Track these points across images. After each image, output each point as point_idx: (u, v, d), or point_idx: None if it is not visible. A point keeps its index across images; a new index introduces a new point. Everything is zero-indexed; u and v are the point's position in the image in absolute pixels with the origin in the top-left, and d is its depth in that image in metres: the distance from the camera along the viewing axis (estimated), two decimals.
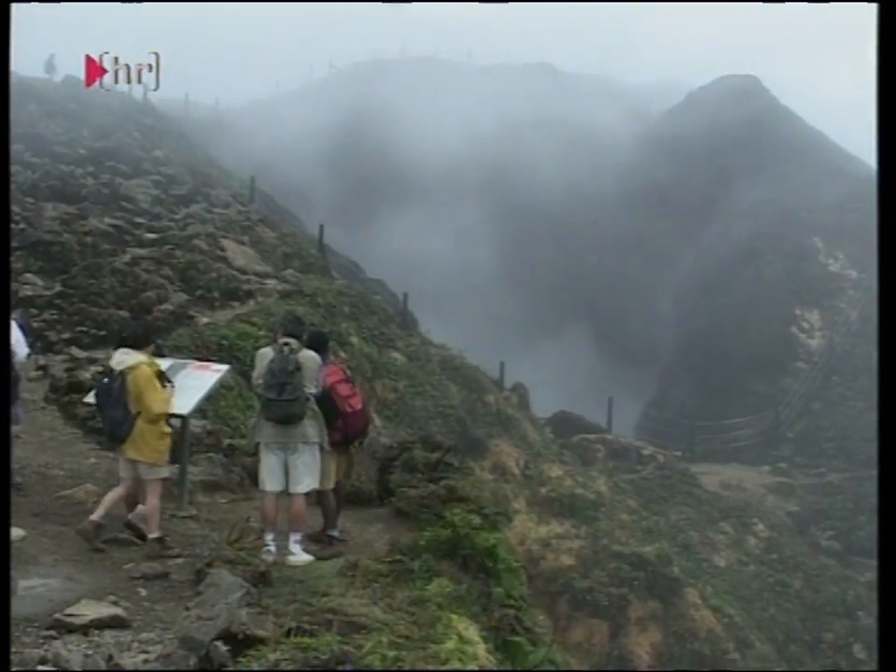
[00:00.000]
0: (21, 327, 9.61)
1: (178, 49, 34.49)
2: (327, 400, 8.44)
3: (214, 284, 18.81)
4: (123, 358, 8.06)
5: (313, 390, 7.93)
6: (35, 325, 15.29)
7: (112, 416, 7.94)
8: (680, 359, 36.72)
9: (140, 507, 8.15)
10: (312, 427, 7.94)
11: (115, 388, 7.91)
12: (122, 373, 7.96)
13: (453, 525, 7.90)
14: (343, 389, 8.68)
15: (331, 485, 8.69)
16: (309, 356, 8.01)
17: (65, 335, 15.23)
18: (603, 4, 64.32)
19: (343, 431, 8.73)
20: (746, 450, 28.88)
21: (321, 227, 27.58)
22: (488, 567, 7.79)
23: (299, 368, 7.79)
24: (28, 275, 17.22)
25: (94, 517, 7.91)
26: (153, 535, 7.81)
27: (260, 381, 7.92)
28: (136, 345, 8.18)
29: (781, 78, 56.54)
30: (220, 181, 30.34)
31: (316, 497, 8.71)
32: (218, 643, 5.03)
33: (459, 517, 8.11)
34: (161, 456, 7.97)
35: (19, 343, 9.36)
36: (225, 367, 10.12)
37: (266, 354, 8.03)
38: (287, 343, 7.93)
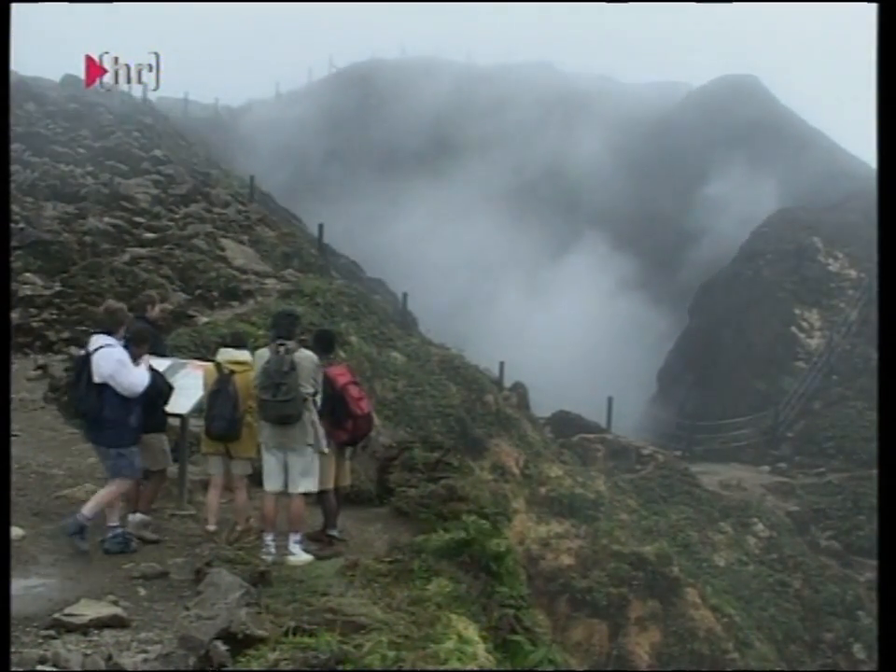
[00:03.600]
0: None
1: (178, 49, 34.46)
2: (339, 401, 8.48)
3: (213, 283, 18.81)
4: (235, 354, 8.38)
5: (310, 390, 7.89)
6: (34, 325, 15.31)
7: (225, 415, 8.13)
8: (680, 359, 36.71)
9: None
10: (310, 428, 7.93)
11: (230, 389, 8.12)
12: (231, 374, 8.19)
13: (465, 530, 7.90)
14: (355, 391, 8.72)
15: (332, 485, 8.70)
16: (305, 355, 7.97)
17: (65, 335, 15.22)
18: (603, 4, 64.27)
19: (352, 433, 8.77)
20: (745, 450, 28.85)
21: (321, 226, 27.57)
22: (490, 567, 7.79)
23: (294, 368, 7.75)
24: (27, 275, 17.21)
25: (210, 527, 8.26)
26: (241, 527, 8.21)
27: (256, 382, 7.93)
28: (239, 345, 8.61)
29: (781, 78, 56.57)
30: (220, 181, 30.31)
31: (317, 497, 8.71)
32: (218, 643, 5.03)
33: (473, 525, 8.09)
34: (255, 451, 8.30)
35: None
36: None
37: (263, 355, 8.01)
38: (282, 344, 7.92)
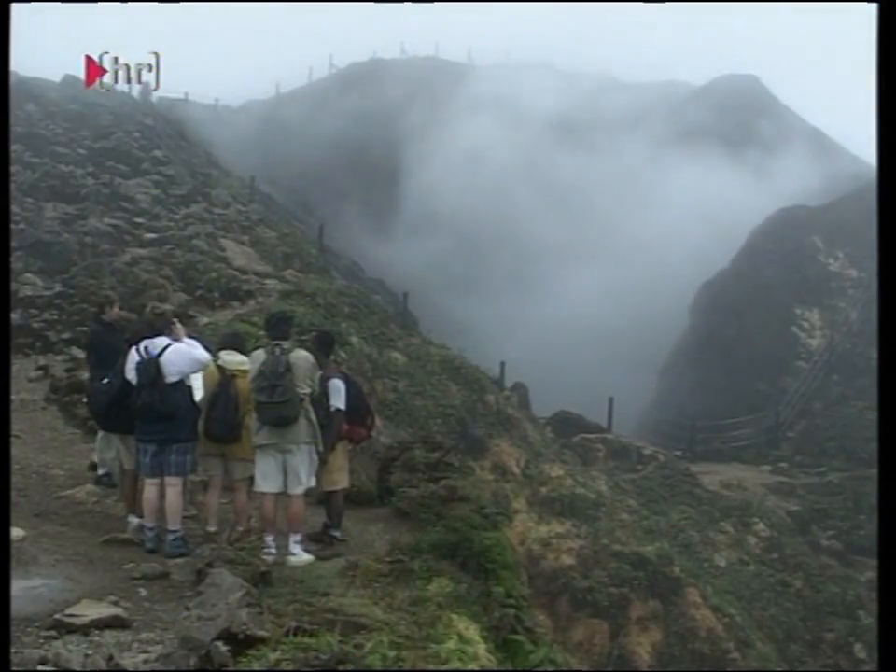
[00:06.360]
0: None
1: (178, 49, 34.45)
2: (360, 399, 8.57)
3: (214, 284, 18.84)
4: (238, 359, 8.41)
5: (306, 390, 7.89)
6: (34, 325, 15.32)
7: (226, 418, 8.17)
8: (681, 359, 36.69)
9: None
10: (307, 428, 7.92)
11: (231, 392, 8.17)
12: (233, 376, 8.22)
13: (455, 527, 7.92)
14: (364, 389, 8.84)
15: (346, 484, 8.74)
16: (301, 356, 7.96)
17: (66, 335, 15.25)
18: (603, 3, 64.22)
19: (370, 428, 8.88)
20: (746, 449, 28.83)
21: (321, 227, 27.61)
22: (488, 567, 7.80)
23: (289, 369, 7.74)
24: (28, 275, 17.24)
25: (210, 528, 8.27)
26: (241, 528, 8.30)
27: (252, 384, 7.92)
28: (239, 348, 8.66)
29: (781, 78, 56.60)
30: (220, 181, 30.32)
31: (324, 496, 8.73)
32: (219, 643, 5.02)
33: (462, 519, 8.12)
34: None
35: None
36: None
37: (259, 356, 8.00)
38: (277, 345, 7.91)
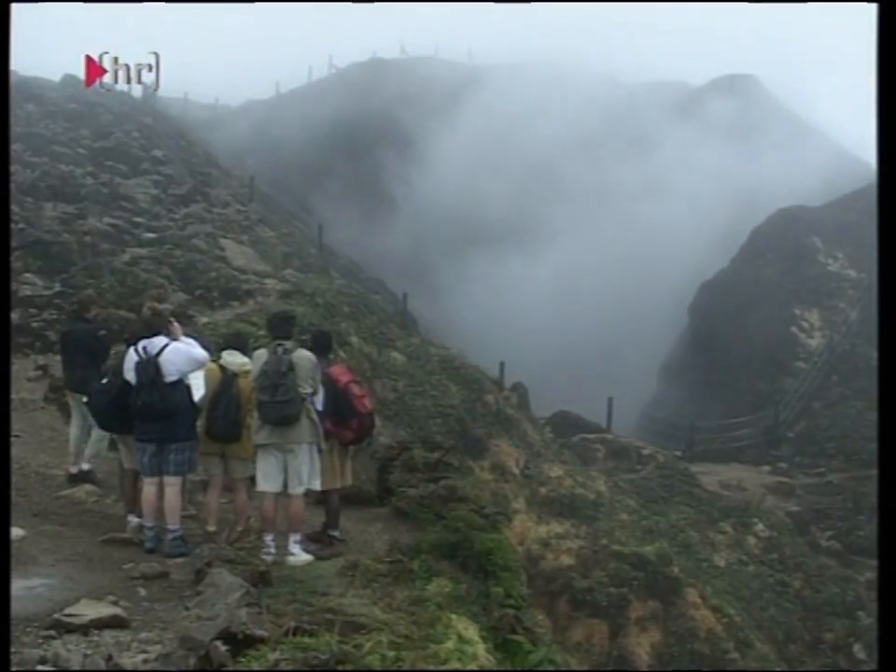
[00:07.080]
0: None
1: (178, 49, 34.39)
2: (343, 400, 8.51)
3: (213, 283, 18.85)
4: (240, 360, 8.39)
5: (308, 390, 7.89)
6: (34, 325, 15.32)
7: (228, 417, 8.17)
8: (680, 359, 36.69)
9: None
10: (308, 428, 7.91)
11: (233, 391, 8.16)
12: (235, 376, 8.22)
13: (456, 528, 7.92)
14: (357, 389, 8.75)
15: (338, 485, 8.72)
16: (303, 355, 7.96)
17: None
18: (603, 3, 64.10)
19: (357, 431, 8.79)
20: (746, 450, 28.81)
21: (320, 227, 27.61)
22: (487, 567, 7.81)
23: (292, 368, 7.75)
24: (27, 275, 17.23)
25: (210, 527, 8.26)
26: (241, 528, 8.27)
27: (255, 383, 7.92)
28: (241, 348, 8.63)
29: (781, 78, 56.57)
30: (219, 181, 30.33)
31: (321, 496, 8.72)
32: (218, 643, 5.02)
33: (461, 519, 8.12)
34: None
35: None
36: None
37: (261, 355, 8.00)
38: (280, 344, 7.92)
